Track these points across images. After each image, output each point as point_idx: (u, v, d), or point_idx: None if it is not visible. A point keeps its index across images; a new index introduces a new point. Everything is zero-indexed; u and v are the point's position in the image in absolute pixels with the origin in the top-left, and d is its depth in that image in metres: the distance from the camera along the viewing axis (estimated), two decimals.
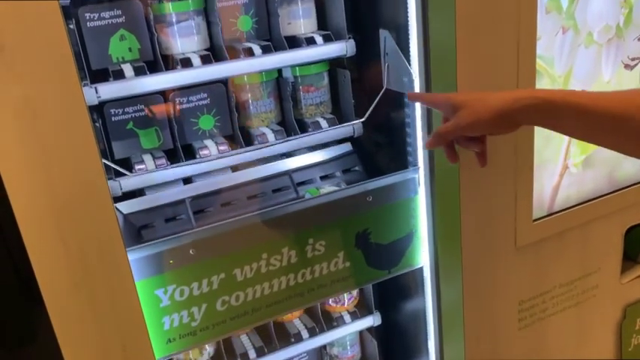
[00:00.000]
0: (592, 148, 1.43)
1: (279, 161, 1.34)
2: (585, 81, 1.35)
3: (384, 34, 1.24)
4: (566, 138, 1.38)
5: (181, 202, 1.21)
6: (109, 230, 0.94)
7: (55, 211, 0.90)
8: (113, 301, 0.99)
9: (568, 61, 1.31)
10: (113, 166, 1.07)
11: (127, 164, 1.17)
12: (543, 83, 1.29)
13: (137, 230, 1.17)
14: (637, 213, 1.57)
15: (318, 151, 1.38)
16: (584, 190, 1.45)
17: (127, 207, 1.17)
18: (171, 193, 1.21)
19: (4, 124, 0.83)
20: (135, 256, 1.03)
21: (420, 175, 1.27)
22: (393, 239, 1.30)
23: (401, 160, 1.33)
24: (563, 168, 1.40)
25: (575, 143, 1.40)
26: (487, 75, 1.20)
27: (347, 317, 1.51)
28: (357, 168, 1.41)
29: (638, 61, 1.40)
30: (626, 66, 1.39)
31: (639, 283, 1.66)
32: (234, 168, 1.29)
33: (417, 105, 1.21)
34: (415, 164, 1.28)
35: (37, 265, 0.91)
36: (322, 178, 1.38)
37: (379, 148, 1.42)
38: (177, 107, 1.21)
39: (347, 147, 1.41)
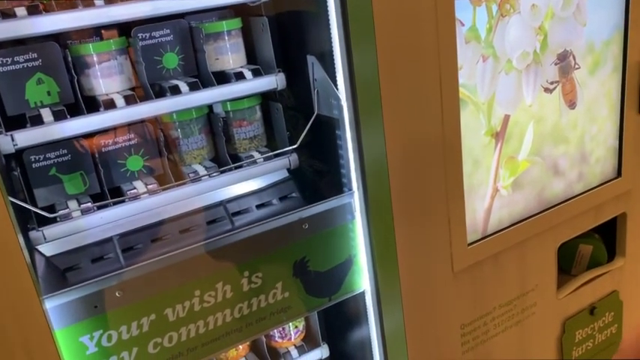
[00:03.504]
0: (520, 170, 1.47)
1: (213, 191, 1.31)
2: (508, 106, 1.39)
3: (311, 60, 1.26)
4: (494, 161, 1.42)
5: (109, 240, 1.17)
6: (21, 282, 0.91)
7: None
8: (30, 354, 0.95)
9: (490, 87, 1.35)
10: (33, 209, 1.03)
11: (52, 212, 1.13)
12: (468, 111, 1.32)
13: (61, 273, 1.13)
14: (568, 229, 1.62)
15: (254, 178, 1.36)
16: (515, 211, 1.49)
17: (50, 248, 1.12)
18: (97, 230, 1.16)
19: None
20: (54, 303, 0.99)
21: (355, 199, 1.28)
22: (331, 266, 1.30)
23: (337, 184, 1.33)
24: (494, 191, 1.44)
25: (504, 166, 1.44)
26: (412, 102, 1.23)
27: (294, 352, 1.50)
28: (294, 194, 1.40)
29: (556, 84, 1.46)
30: (546, 89, 1.44)
31: (575, 296, 1.70)
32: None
33: (348, 129, 1.22)
34: (350, 188, 1.28)
35: None
36: (259, 206, 1.36)
37: (315, 174, 1.42)
38: (103, 149, 1.19)
39: (283, 173, 1.40)
